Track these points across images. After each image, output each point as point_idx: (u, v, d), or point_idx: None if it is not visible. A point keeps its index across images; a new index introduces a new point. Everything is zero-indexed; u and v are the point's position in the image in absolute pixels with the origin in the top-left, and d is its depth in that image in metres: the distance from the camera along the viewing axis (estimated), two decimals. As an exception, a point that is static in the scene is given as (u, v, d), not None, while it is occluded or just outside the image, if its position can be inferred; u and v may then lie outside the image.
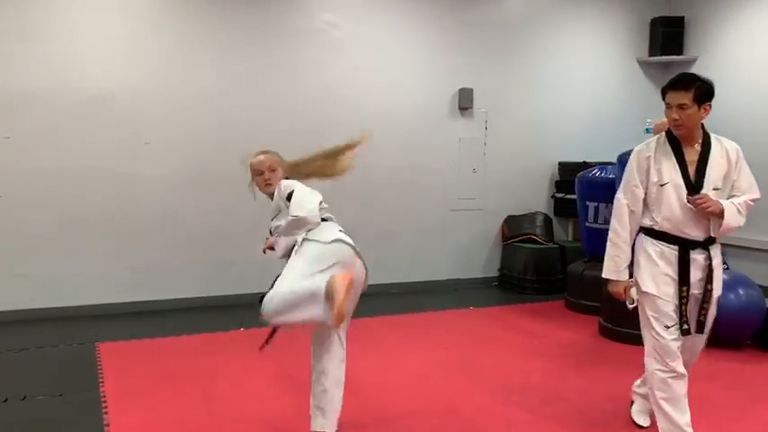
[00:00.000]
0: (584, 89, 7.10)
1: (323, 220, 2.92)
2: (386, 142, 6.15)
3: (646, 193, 2.93)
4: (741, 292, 4.49)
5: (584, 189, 5.68)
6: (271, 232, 3.11)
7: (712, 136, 2.93)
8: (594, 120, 7.13)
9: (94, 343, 4.47)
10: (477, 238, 6.72)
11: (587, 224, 5.62)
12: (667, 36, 7.17)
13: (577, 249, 6.53)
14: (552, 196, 7.01)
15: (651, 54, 7.33)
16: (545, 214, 6.74)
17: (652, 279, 2.91)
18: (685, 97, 2.76)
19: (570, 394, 3.68)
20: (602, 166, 5.74)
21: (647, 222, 2.95)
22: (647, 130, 4.79)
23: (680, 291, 2.85)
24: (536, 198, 6.97)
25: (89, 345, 4.45)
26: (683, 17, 7.14)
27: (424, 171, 6.38)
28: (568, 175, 6.83)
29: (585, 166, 6.60)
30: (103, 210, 5.29)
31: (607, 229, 5.40)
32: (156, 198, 5.43)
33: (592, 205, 5.53)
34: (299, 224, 2.82)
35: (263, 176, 3.11)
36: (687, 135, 2.84)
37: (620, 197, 3.02)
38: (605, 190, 5.46)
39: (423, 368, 4.12)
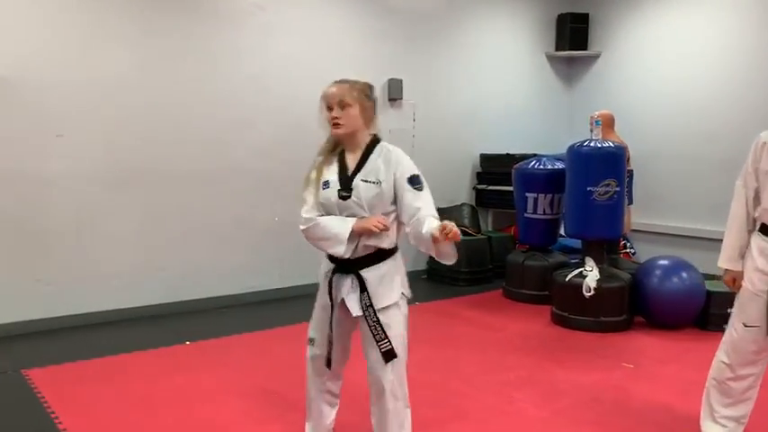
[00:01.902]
0: (500, 83, 7.23)
1: None
2: (316, 135, 5.82)
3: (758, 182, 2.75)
4: (684, 275, 4.76)
5: (522, 181, 5.76)
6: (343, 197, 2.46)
7: None
8: (509, 112, 7.29)
9: (20, 371, 3.79)
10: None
11: (526, 215, 5.71)
12: (573, 32, 7.48)
13: (502, 239, 6.65)
14: (474, 188, 7.07)
15: (558, 49, 7.62)
16: (471, 206, 6.78)
17: (747, 273, 2.79)
18: None
19: (565, 386, 3.67)
20: (538, 157, 5.85)
21: (756, 214, 2.80)
22: (597, 122, 4.92)
23: None
24: (459, 190, 7.00)
25: (14, 374, 3.77)
26: (587, 14, 7.49)
27: (356, 164, 6.14)
28: (490, 166, 6.94)
29: (509, 157, 6.74)
30: (7, 214, 4.51)
31: (545, 220, 5.70)
32: (70, 199, 4.73)
33: (531, 196, 5.62)
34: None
35: (331, 113, 2.50)
36: None
37: (738, 183, 2.85)
38: (544, 181, 5.60)
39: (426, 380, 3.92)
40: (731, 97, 6.39)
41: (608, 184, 4.77)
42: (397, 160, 2.47)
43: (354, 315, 2.53)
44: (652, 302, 4.79)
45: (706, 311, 4.77)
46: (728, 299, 4.73)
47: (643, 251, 6.64)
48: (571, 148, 5.00)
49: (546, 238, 5.74)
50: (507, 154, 6.79)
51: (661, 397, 3.52)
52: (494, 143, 7.09)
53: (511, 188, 6.50)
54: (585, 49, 7.53)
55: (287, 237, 5.71)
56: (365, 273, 2.46)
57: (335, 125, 2.51)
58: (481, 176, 7.03)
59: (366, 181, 2.45)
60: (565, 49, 7.53)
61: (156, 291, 5.11)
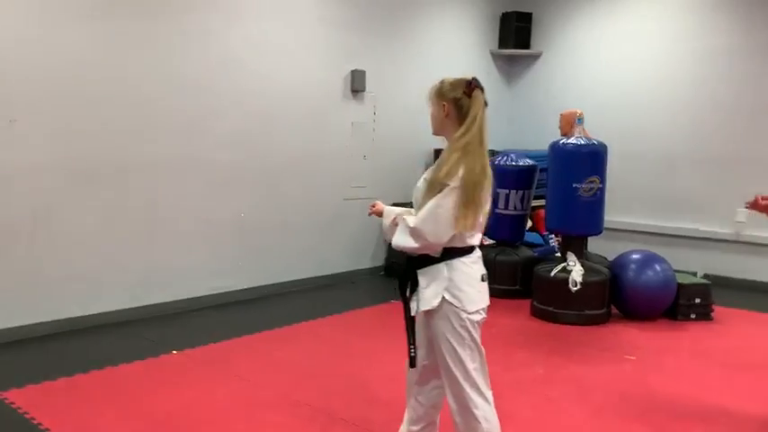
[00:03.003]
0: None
1: None
2: (284, 125, 5.58)
3: None
4: (658, 268, 5.00)
5: (493, 176, 5.77)
6: None
7: None
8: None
9: (-7, 393, 3.28)
10: (367, 226, 6.44)
11: (497, 211, 5.73)
12: (517, 31, 7.64)
13: (460, 234, 6.67)
14: (428, 183, 7.04)
15: (501, 47, 7.75)
16: (429, 201, 6.74)
17: None
18: None
19: (589, 382, 3.72)
20: (506, 153, 5.91)
21: None
22: (579, 120, 5.04)
23: None
24: (414, 184, 6.91)
25: (-11, 397, 3.25)
26: (531, 14, 7.67)
27: (320, 157, 5.91)
28: (446, 161, 6.93)
29: (466, 152, 6.76)
30: (-48, 210, 3.89)
31: (514, 216, 5.76)
32: (24, 193, 4.15)
33: (503, 192, 5.65)
34: None
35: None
36: None
37: None
38: (516, 177, 5.67)
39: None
40: (667, 97, 6.79)
41: (592, 181, 4.91)
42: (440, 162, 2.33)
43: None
44: (629, 295, 4.99)
45: (675, 302, 5.03)
46: (696, 291, 5.09)
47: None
48: (555, 145, 5.09)
49: (515, 233, 5.82)
50: (464, 149, 6.80)
51: (679, 388, 3.65)
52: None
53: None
54: (528, 48, 7.72)
55: (257, 233, 5.41)
56: (419, 273, 2.35)
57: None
58: (435, 171, 7.00)
59: (425, 179, 2.36)
60: (508, 48, 7.67)
61: (119, 295, 4.63)
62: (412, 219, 2.30)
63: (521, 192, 5.66)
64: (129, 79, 4.56)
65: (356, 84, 6.06)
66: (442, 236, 2.23)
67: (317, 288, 5.86)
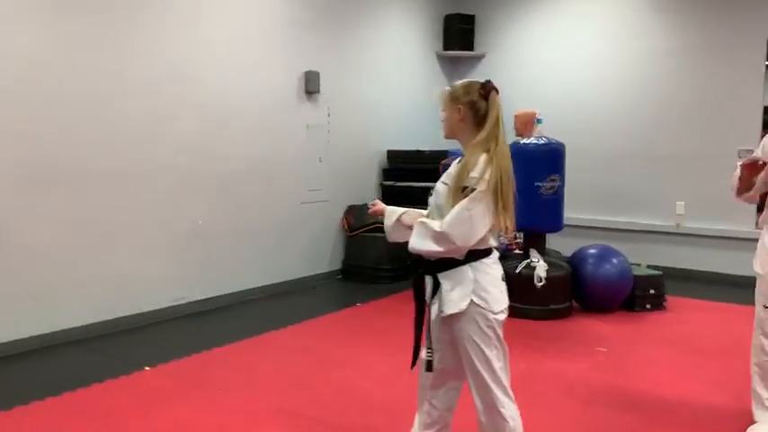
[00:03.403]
0: (397, 80, 7.23)
1: None
2: (239, 129, 5.44)
3: None
4: (615, 261, 5.20)
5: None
6: None
7: None
8: (405, 110, 7.34)
9: (-40, 425, 3.01)
10: (324, 230, 6.39)
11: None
12: (460, 32, 7.75)
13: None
14: (381, 184, 7.03)
15: (446, 48, 7.84)
16: (384, 202, 6.71)
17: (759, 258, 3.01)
18: None
19: (571, 376, 3.81)
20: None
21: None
22: (539, 120, 5.16)
23: None
24: (368, 186, 6.91)
25: (-46, 429, 2.98)
26: (473, 15, 7.80)
27: (277, 161, 5.79)
28: (398, 163, 6.95)
29: (419, 154, 6.82)
30: None
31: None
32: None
33: (463, 192, 5.71)
34: None
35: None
36: None
37: None
38: (474, 177, 5.73)
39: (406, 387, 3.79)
40: (609, 96, 7.07)
41: (553, 180, 5.05)
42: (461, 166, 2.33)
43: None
44: (589, 288, 5.16)
45: (632, 294, 5.25)
46: (650, 282, 5.31)
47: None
48: (517, 146, 5.18)
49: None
50: (417, 150, 6.86)
51: (658, 377, 3.79)
52: (393, 139, 7.11)
53: (420, 184, 6.59)
54: (472, 49, 7.84)
55: (214, 241, 5.24)
56: (441, 276, 2.33)
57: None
58: (388, 173, 7.01)
59: (444, 183, 2.35)
60: (453, 49, 7.77)
61: (77, 310, 4.36)
62: (436, 223, 2.27)
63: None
64: (83, 82, 4.32)
65: (310, 85, 5.98)
66: (470, 239, 2.22)
67: (277, 295, 5.73)
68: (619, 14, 7.02)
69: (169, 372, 3.78)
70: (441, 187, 2.36)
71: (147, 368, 3.80)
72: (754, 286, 3.06)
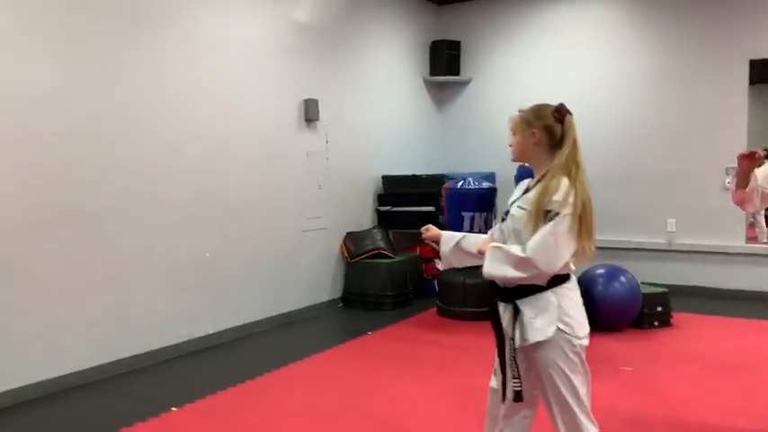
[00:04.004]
0: (389, 105, 7.25)
1: None
2: (242, 158, 5.35)
3: None
4: (623, 279, 5.26)
5: (456, 201, 5.86)
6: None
7: None
8: (397, 135, 7.35)
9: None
10: (325, 258, 6.30)
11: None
12: (447, 58, 7.84)
13: (414, 260, 6.65)
14: (377, 210, 6.99)
15: (433, 74, 7.91)
16: (381, 228, 6.69)
17: None
18: None
19: (611, 398, 3.80)
20: (464, 177, 6.02)
21: None
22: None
23: None
24: (364, 213, 6.87)
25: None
26: (459, 42, 7.91)
27: (278, 189, 5.71)
28: (394, 188, 6.93)
29: (414, 178, 6.83)
30: None
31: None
32: (-19, 244, 3.66)
33: (468, 215, 5.75)
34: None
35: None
36: None
37: None
38: (479, 200, 5.79)
39: (449, 409, 3.74)
40: (595, 118, 7.14)
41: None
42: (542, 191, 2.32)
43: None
44: (600, 307, 5.18)
45: (641, 311, 5.31)
46: (657, 299, 5.39)
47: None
48: (520, 168, 5.23)
49: (480, 255, 5.89)
50: (413, 175, 6.86)
51: (694, 394, 3.82)
52: (387, 165, 7.10)
53: (418, 209, 6.60)
54: (458, 74, 7.94)
55: (221, 273, 5.10)
56: (521, 303, 2.30)
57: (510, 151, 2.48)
58: (383, 198, 6.98)
59: (521, 208, 2.31)
60: (440, 75, 7.85)
61: (88, 352, 4.18)
62: (516, 248, 2.24)
63: (484, 214, 5.78)
64: (87, 117, 4.17)
65: (310, 113, 5.93)
66: (555, 265, 2.20)
67: (283, 326, 5.61)
68: (602, 37, 7.21)
69: (199, 411, 3.63)
70: (518, 212, 2.33)
71: (174, 408, 3.64)
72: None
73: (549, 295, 2.27)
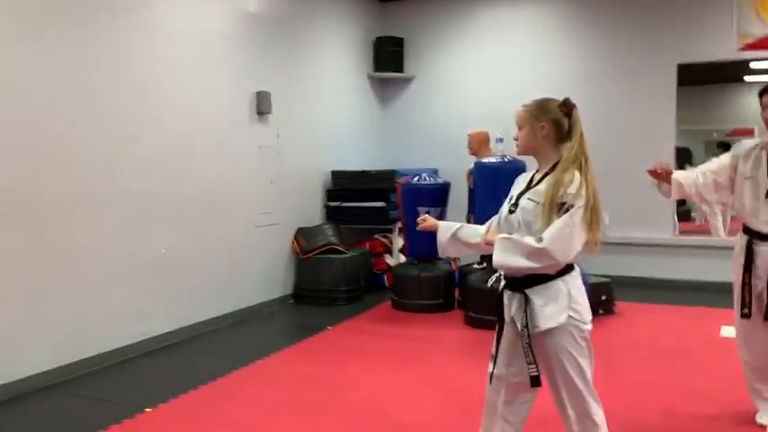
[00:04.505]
0: (334, 101, 7.23)
1: None
2: (197, 150, 5.21)
3: None
4: (572, 271, 5.50)
5: (411, 196, 5.92)
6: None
7: None
8: (343, 130, 7.35)
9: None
10: (277, 254, 6.21)
11: (418, 229, 5.87)
12: (391, 55, 7.90)
13: (364, 255, 6.68)
14: (325, 205, 6.96)
15: (377, 70, 7.95)
16: (333, 224, 6.66)
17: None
18: None
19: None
20: (418, 173, 6.10)
21: None
22: (500, 140, 5.38)
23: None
24: (314, 208, 6.82)
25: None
26: (402, 38, 7.98)
27: (232, 184, 5.58)
28: (343, 183, 6.92)
29: (364, 174, 6.85)
30: None
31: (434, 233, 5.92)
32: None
33: (423, 210, 5.77)
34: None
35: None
36: None
37: None
38: (434, 196, 5.90)
39: (433, 398, 3.79)
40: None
41: (519, 195, 5.26)
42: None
43: (520, 335, 2.46)
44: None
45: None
46: (601, 289, 5.67)
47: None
48: (482, 165, 5.36)
49: (433, 249, 5.98)
50: (363, 171, 6.88)
51: (652, 377, 4.04)
52: (335, 160, 7.09)
53: (368, 204, 6.64)
54: (402, 71, 8.01)
55: (175, 270, 4.94)
56: (530, 292, 2.39)
57: (515, 144, 2.56)
58: (333, 194, 6.95)
59: (530, 200, 2.40)
60: (384, 71, 7.90)
61: (44, 353, 3.95)
62: (529, 239, 2.30)
63: (438, 209, 5.88)
64: (36, 107, 3.93)
65: (262, 105, 5.83)
66: (569, 254, 2.29)
67: (236, 323, 5.50)
68: (540, 40, 7.48)
69: (174, 411, 3.52)
70: (528, 204, 2.39)
71: (147, 409, 3.51)
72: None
73: (560, 283, 2.35)
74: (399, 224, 6.77)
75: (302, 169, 6.55)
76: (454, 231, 2.71)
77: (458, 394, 3.74)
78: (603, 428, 2.43)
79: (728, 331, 4.97)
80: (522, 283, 2.40)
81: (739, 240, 3.19)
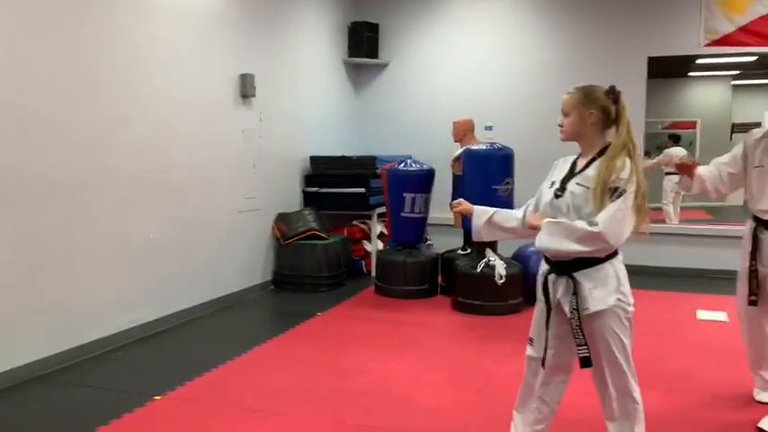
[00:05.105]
0: (312, 85, 7.13)
1: None
2: (184, 133, 5.09)
3: None
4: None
5: (398, 182, 5.92)
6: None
7: None
8: (320, 115, 7.28)
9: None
10: (258, 240, 6.12)
11: (402, 214, 5.91)
12: (366, 40, 7.85)
13: (345, 241, 6.65)
14: (303, 191, 6.89)
15: (351, 56, 7.90)
16: (313, 209, 6.60)
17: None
18: None
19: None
20: (404, 159, 6.12)
21: None
22: (490, 128, 5.44)
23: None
24: (293, 194, 6.74)
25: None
26: (377, 24, 7.94)
27: (218, 167, 5.45)
28: (322, 169, 6.87)
29: (345, 160, 6.82)
30: None
31: (418, 218, 5.97)
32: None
33: (409, 196, 5.84)
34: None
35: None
36: None
37: None
38: (418, 181, 5.93)
39: (443, 381, 3.83)
40: (508, 105, 7.48)
41: (507, 182, 5.36)
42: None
43: (569, 317, 2.52)
44: (533, 282, 5.51)
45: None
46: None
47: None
48: (472, 152, 5.42)
49: (418, 235, 6.04)
50: (343, 156, 6.84)
51: (642, 355, 4.20)
52: (313, 146, 7.02)
53: (348, 190, 6.62)
54: (376, 57, 7.98)
55: (163, 256, 4.82)
56: (579, 275, 2.46)
57: (560, 131, 2.57)
58: (311, 179, 6.89)
59: (580, 185, 2.47)
60: (360, 56, 7.85)
61: (34, 342, 3.78)
62: (581, 222, 2.35)
63: (424, 195, 5.92)
64: (23, 86, 3.73)
65: (247, 88, 5.71)
66: (622, 238, 2.35)
67: (220, 310, 5.40)
68: (516, 30, 7.56)
69: (184, 398, 3.44)
70: (578, 189, 2.43)
71: (156, 397, 3.42)
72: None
73: (608, 267, 2.42)
74: (379, 210, 6.79)
75: (282, 153, 6.46)
76: (490, 216, 2.75)
77: (465, 376, 3.81)
78: (641, 406, 2.53)
79: (705, 314, 5.26)
80: (571, 266, 2.44)
81: (747, 229, 3.29)
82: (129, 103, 4.47)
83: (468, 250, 5.94)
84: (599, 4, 7.23)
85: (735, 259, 3.34)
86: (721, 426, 3.17)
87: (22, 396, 3.46)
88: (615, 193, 2.33)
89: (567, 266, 2.46)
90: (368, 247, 6.88)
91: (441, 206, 6.38)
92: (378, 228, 6.89)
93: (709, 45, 6.91)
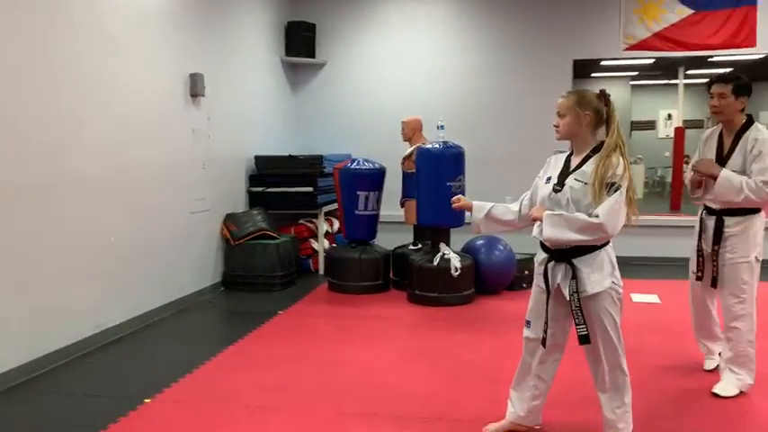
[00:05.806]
0: (252, 84, 7.11)
1: None
2: (140, 132, 4.99)
3: None
4: (501, 247, 5.96)
5: (350, 180, 6.03)
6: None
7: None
8: (260, 115, 7.27)
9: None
10: (208, 241, 6.06)
11: (357, 212, 6.03)
12: (303, 40, 7.90)
13: (294, 241, 6.69)
14: (248, 191, 6.86)
15: (288, 55, 7.92)
16: (261, 209, 6.59)
17: None
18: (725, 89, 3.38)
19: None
20: (354, 158, 6.24)
21: None
22: (442, 127, 5.66)
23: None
24: (238, 194, 6.70)
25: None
26: (314, 24, 8.01)
27: (171, 169, 5.35)
28: (268, 168, 6.87)
29: (292, 159, 6.86)
30: None
31: (371, 215, 6.13)
32: None
33: (362, 194, 5.97)
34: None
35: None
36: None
37: None
38: (371, 180, 6.08)
39: (424, 368, 4.00)
40: (444, 106, 7.73)
41: (460, 179, 5.60)
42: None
43: (569, 300, 2.78)
44: (484, 273, 5.82)
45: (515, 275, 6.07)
46: (525, 264, 6.18)
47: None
48: (425, 150, 5.62)
49: (371, 232, 6.19)
50: (290, 156, 6.87)
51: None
52: (257, 146, 7.00)
53: (296, 189, 6.68)
54: (314, 57, 8.04)
55: (123, 259, 4.72)
56: (577, 261, 2.71)
57: (555, 131, 2.81)
58: (256, 179, 6.87)
59: (578, 180, 2.72)
60: (298, 56, 7.88)
61: (6, 351, 3.63)
62: (581, 215, 2.60)
63: (376, 193, 6.07)
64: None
65: (197, 87, 5.64)
66: (618, 228, 2.62)
67: (180, 312, 5.33)
68: (449, 32, 7.85)
69: (176, 399, 3.43)
70: (576, 184, 2.67)
71: (146, 400, 3.39)
72: None
73: (603, 253, 2.69)
74: (326, 209, 6.89)
75: (228, 153, 6.42)
76: (488, 210, 2.96)
77: (443, 363, 4.00)
78: (629, 377, 2.81)
79: (639, 297, 5.73)
80: (570, 253, 2.69)
81: (699, 215, 3.71)
82: (86, 102, 4.34)
83: (419, 246, 6.16)
84: (528, 8, 7.64)
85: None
86: (680, 392, 3.54)
87: (3, 407, 3.32)
88: (612, 187, 2.60)
89: (566, 254, 2.71)
90: (315, 245, 6.95)
91: (389, 204, 6.59)
92: (324, 226, 6.97)
93: (628, 49, 7.54)
